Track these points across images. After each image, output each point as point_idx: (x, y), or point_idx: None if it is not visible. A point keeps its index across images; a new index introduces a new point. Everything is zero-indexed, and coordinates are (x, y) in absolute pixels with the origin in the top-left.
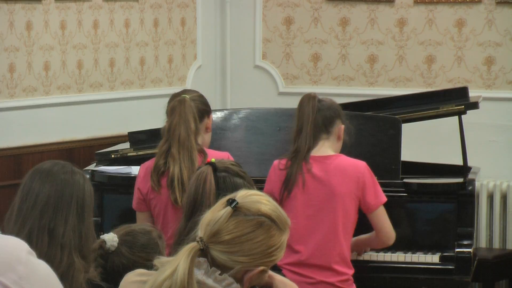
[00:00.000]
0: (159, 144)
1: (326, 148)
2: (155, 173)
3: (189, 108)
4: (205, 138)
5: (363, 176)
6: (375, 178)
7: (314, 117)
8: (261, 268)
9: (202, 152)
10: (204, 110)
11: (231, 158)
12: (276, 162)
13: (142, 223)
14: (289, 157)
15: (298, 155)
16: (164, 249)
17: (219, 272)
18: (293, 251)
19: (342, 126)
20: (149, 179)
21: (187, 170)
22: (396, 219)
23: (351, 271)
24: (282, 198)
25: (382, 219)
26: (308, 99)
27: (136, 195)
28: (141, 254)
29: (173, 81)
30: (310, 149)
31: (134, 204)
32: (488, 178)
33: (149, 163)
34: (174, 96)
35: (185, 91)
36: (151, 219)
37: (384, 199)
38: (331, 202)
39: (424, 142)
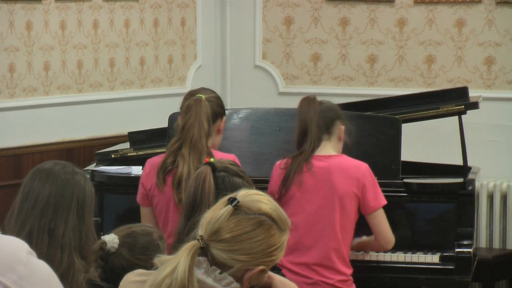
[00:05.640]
0: (170, 141)
1: (328, 149)
2: (162, 170)
3: (204, 109)
4: (215, 140)
5: (364, 177)
6: (376, 181)
7: (317, 118)
8: (261, 267)
9: (209, 154)
10: (218, 112)
11: (237, 161)
12: (278, 162)
13: (146, 218)
14: (291, 156)
15: (301, 155)
16: (165, 250)
17: (219, 271)
18: (291, 250)
19: (343, 127)
20: (154, 175)
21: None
22: (396, 219)
23: (350, 271)
24: (280, 196)
25: (381, 222)
26: (308, 101)
27: (140, 189)
28: (141, 257)
29: (173, 81)
30: (314, 150)
31: (138, 198)
32: (488, 178)
33: (156, 159)
34: (191, 94)
35: (202, 90)
36: (155, 214)
37: (384, 201)
38: (329, 201)
39: (424, 142)
